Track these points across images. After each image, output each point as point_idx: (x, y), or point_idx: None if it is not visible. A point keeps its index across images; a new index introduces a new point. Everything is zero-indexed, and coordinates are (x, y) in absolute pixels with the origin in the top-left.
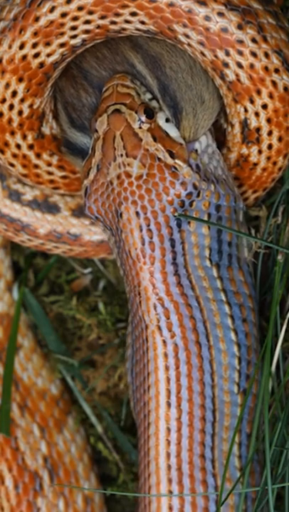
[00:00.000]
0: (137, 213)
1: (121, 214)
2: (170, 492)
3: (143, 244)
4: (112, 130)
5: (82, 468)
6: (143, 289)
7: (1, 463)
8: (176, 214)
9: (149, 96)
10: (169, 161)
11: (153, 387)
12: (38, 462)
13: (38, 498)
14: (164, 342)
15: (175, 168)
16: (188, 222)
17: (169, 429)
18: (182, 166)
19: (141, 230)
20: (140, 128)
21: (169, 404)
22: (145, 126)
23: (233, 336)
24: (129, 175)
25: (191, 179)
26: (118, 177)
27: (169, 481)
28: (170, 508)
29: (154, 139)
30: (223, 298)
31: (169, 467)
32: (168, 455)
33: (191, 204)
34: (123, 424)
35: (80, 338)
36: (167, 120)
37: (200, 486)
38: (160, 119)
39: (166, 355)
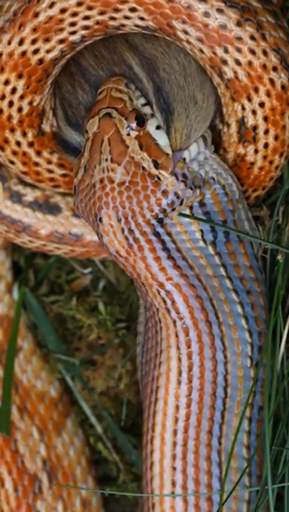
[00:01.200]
0: (118, 219)
1: (100, 219)
2: (174, 468)
3: (128, 241)
4: (101, 133)
5: (80, 472)
6: (144, 279)
7: (0, 466)
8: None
9: (142, 101)
10: (153, 171)
11: (164, 364)
12: (38, 465)
13: (37, 501)
14: (174, 323)
15: (158, 178)
16: (171, 218)
17: (178, 407)
18: (166, 177)
19: (123, 232)
20: (128, 135)
21: (179, 382)
22: (133, 134)
23: (239, 309)
24: (111, 180)
25: (173, 188)
26: (101, 181)
27: (173, 457)
28: (173, 483)
29: (141, 147)
30: (223, 273)
31: (174, 443)
32: (174, 432)
33: (173, 210)
34: (123, 424)
35: (80, 338)
36: (158, 127)
37: (204, 463)
38: (151, 125)
39: (177, 335)
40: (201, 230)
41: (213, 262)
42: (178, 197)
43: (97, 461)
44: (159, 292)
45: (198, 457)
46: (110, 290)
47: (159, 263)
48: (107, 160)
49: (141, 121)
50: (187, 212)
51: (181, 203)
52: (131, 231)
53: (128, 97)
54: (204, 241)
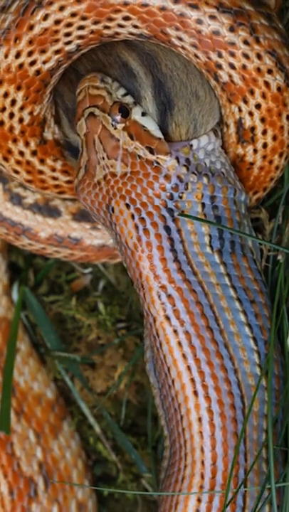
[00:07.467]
0: (127, 205)
1: (112, 208)
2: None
3: (138, 232)
4: (91, 133)
5: (77, 475)
6: (145, 280)
7: None
8: (166, 206)
9: (122, 92)
10: (150, 157)
11: (177, 380)
12: (34, 468)
13: (32, 504)
14: (175, 331)
15: (157, 163)
16: (182, 212)
17: (200, 420)
18: (165, 160)
19: (133, 219)
20: (116, 129)
21: (196, 394)
22: (120, 126)
23: (242, 317)
24: (114, 175)
25: (175, 172)
26: (105, 178)
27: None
28: (199, 500)
29: (131, 137)
30: (228, 282)
31: (202, 462)
32: (202, 449)
33: (180, 196)
34: (122, 424)
35: (79, 339)
36: (143, 114)
37: (231, 482)
38: (136, 114)
39: (180, 344)
40: (210, 235)
41: (218, 270)
42: (181, 180)
43: (96, 460)
44: (159, 296)
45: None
46: (110, 290)
47: (164, 264)
48: (104, 158)
49: (125, 111)
50: (199, 208)
51: (186, 188)
52: (142, 219)
53: (106, 92)
54: (211, 247)
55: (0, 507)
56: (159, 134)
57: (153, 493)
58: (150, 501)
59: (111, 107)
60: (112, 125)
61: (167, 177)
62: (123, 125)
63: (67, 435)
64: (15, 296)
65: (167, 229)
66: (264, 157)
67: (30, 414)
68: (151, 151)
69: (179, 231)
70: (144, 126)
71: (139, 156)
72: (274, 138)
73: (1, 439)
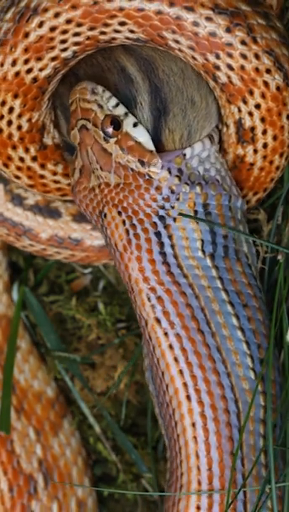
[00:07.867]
0: (119, 213)
1: (105, 214)
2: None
3: (128, 235)
4: (84, 144)
5: (77, 472)
6: (134, 282)
7: None
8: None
9: (113, 102)
10: (142, 170)
11: (170, 385)
12: (33, 465)
13: (32, 501)
14: (166, 334)
15: (149, 175)
16: (174, 219)
17: (194, 425)
18: (156, 172)
19: (124, 224)
20: (108, 142)
21: (189, 399)
22: (112, 140)
23: (234, 321)
24: (108, 184)
25: (167, 183)
26: (99, 186)
27: (199, 482)
28: (198, 507)
29: (123, 150)
30: (219, 285)
31: (198, 468)
32: (197, 455)
33: (172, 206)
34: (122, 424)
35: (79, 339)
36: (135, 124)
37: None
38: (127, 125)
39: (171, 347)
40: (202, 240)
41: (210, 274)
42: (172, 191)
43: (96, 460)
44: (149, 298)
45: (225, 482)
46: (110, 290)
47: (153, 266)
48: (97, 169)
49: (116, 124)
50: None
51: (178, 199)
52: (132, 225)
53: (97, 105)
54: (203, 252)
55: (0, 504)
56: (150, 145)
57: (153, 494)
58: (150, 501)
59: (102, 120)
60: (104, 139)
61: (158, 188)
62: (115, 139)
63: (67, 433)
64: (15, 296)
65: (158, 234)
66: (264, 157)
67: (30, 411)
68: (143, 164)
69: (170, 236)
70: (135, 138)
71: (132, 169)
72: (274, 138)
73: (1, 437)
